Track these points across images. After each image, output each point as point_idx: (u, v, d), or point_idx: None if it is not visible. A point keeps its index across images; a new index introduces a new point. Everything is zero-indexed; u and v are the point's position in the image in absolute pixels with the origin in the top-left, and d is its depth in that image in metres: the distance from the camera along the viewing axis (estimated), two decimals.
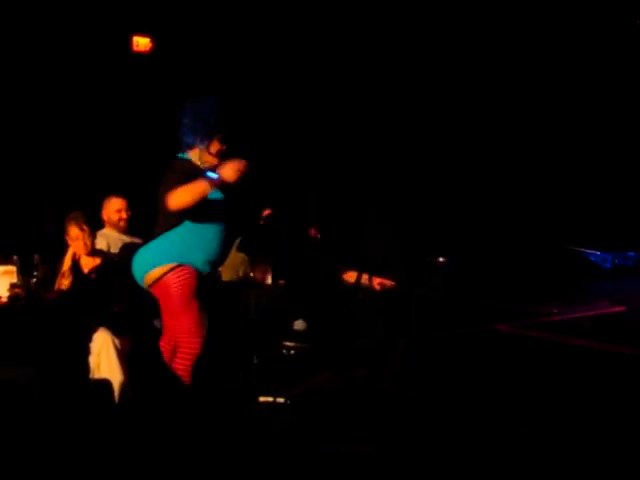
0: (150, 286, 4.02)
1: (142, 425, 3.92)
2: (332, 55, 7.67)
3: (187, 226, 4.00)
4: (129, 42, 6.95)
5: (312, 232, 6.23)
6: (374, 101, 7.84)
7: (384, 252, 6.39)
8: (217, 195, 4.01)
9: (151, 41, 7.02)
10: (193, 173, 3.95)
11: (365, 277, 5.77)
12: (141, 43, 6.99)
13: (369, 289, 5.70)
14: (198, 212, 3.93)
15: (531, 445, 3.17)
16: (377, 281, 5.72)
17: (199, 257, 4.01)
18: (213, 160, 4.12)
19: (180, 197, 3.83)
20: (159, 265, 3.96)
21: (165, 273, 3.94)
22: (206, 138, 4.13)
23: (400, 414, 3.86)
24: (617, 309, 6.46)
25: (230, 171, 3.86)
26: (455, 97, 8.11)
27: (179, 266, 3.95)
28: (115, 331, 4.37)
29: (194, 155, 4.16)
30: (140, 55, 7.00)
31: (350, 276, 5.92)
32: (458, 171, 7.98)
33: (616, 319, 6.20)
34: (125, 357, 4.33)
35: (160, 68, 6.99)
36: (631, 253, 8.57)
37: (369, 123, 7.81)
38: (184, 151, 4.19)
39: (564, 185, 8.41)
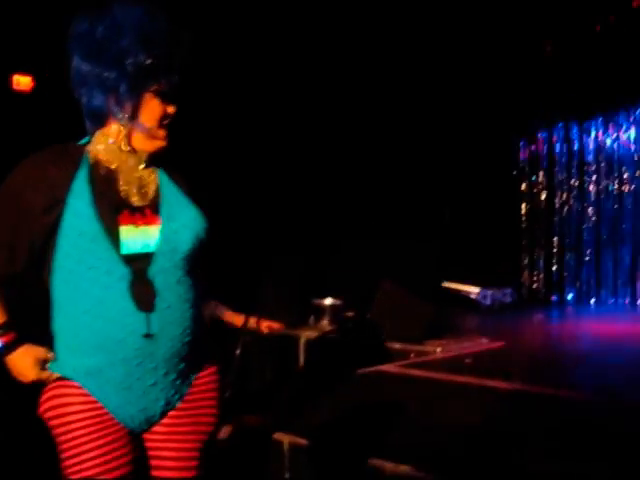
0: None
1: None
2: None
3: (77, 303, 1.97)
4: (9, 81, 6.80)
5: None
6: None
7: (272, 295, 6.44)
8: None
9: (32, 80, 6.89)
10: (26, 212, 1.99)
11: (252, 320, 5.81)
12: (22, 82, 6.84)
13: (256, 332, 5.73)
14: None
15: None
16: (265, 324, 5.75)
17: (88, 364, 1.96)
18: (153, 140, 2.02)
19: None
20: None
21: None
22: (128, 93, 1.95)
23: (291, 462, 3.88)
24: (496, 345, 6.71)
25: (19, 368, 1.99)
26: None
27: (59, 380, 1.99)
28: None
29: (104, 139, 2.02)
30: (21, 94, 6.85)
31: (237, 320, 5.94)
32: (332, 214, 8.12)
33: (495, 355, 6.43)
34: None
35: (42, 107, 6.84)
36: (508, 289, 8.96)
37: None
38: (90, 133, 2.07)
39: (438, 227, 8.71)
